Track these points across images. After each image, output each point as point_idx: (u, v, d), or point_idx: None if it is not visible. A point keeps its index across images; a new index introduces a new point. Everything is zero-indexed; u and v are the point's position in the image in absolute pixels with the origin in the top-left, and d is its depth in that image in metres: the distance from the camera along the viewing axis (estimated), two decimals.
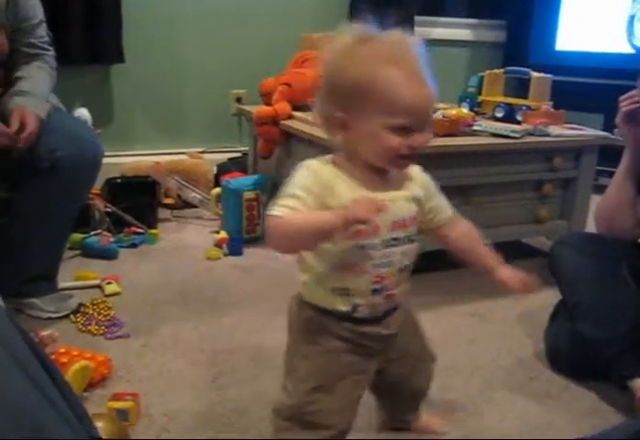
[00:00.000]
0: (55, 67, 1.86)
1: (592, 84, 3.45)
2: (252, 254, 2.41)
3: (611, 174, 3.08)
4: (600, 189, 2.75)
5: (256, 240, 2.50)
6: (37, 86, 1.76)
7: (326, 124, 1.03)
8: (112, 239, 2.39)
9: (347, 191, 1.01)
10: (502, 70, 2.64)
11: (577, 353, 1.62)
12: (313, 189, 1.00)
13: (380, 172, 1.05)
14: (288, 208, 0.98)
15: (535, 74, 2.49)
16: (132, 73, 3.04)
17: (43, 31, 1.83)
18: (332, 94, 1.01)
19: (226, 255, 2.39)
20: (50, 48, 1.85)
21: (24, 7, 1.75)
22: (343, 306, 1.07)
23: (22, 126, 1.62)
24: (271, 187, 2.53)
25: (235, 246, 2.40)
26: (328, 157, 1.06)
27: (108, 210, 2.51)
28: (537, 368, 1.69)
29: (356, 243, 1.02)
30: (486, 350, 1.78)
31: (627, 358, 1.47)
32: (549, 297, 1.83)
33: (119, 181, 2.67)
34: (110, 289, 2.01)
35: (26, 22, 1.76)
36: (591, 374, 1.60)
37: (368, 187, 1.03)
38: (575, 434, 1.36)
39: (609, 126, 3.18)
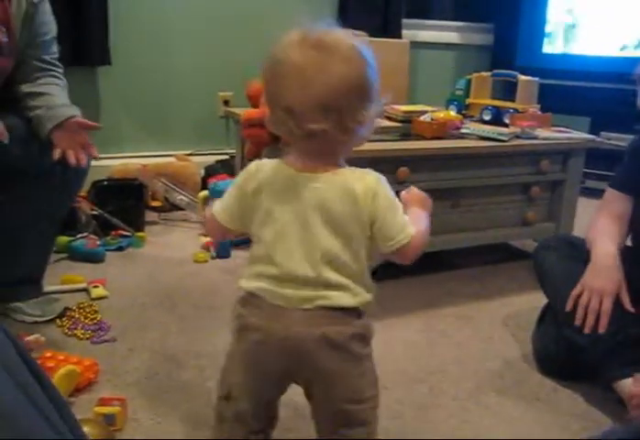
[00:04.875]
0: (67, 85, 1.85)
1: (579, 87, 3.47)
2: (240, 256, 2.40)
3: (598, 177, 3.13)
4: (587, 192, 2.78)
5: (243, 243, 2.49)
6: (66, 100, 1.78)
7: (359, 126, 0.98)
8: (98, 242, 2.37)
9: None
10: (489, 72, 2.65)
11: (563, 356, 1.64)
12: None
13: None
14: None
15: (522, 77, 2.50)
16: (119, 75, 3.03)
17: (55, 47, 1.82)
18: (367, 97, 0.98)
19: (213, 258, 2.38)
20: (61, 65, 1.83)
21: (40, 23, 1.74)
22: None
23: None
24: None
25: (222, 248, 2.39)
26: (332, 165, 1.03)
27: (95, 213, 2.49)
28: (526, 371, 1.70)
29: None
30: (474, 353, 1.78)
31: (612, 361, 1.48)
32: (536, 299, 1.84)
33: (106, 183, 2.65)
34: (97, 292, 1.99)
35: (39, 37, 1.75)
36: (579, 376, 1.61)
37: None
38: (564, 437, 1.36)
39: (596, 129, 3.21)
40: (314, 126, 0.95)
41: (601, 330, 1.45)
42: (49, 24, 1.78)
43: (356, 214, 1.00)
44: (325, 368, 1.02)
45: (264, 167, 1.05)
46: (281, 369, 1.05)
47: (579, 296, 1.50)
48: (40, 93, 1.73)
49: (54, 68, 1.81)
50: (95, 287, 2.01)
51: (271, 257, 1.02)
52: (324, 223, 1.00)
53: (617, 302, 1.50)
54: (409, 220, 1.04)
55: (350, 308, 1.02)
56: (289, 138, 1.01)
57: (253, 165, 1.06)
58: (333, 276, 1.01)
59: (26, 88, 1.74)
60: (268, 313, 1.02)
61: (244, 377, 1.08)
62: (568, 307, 1.50)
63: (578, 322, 1.48)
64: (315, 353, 1.01)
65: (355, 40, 0.98)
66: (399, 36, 3.50)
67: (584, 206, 2.43)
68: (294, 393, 1.11)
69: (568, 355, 1.61)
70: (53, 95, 1.74)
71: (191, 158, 3.12)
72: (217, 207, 1.10)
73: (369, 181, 1.01)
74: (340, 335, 1.01)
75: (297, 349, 1.01)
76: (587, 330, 1.47)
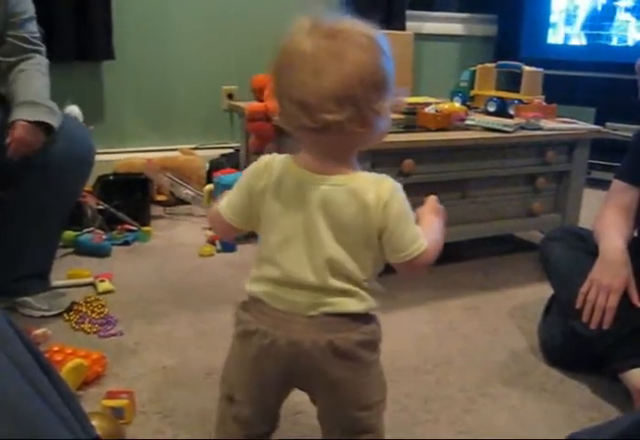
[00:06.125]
0: (48, 64, 1.85)
1: (584, 78, 3.46)
2: (245, 250, 2.41)
3: (603, 167, 3.12)
4: (593, 182, 2.77)
5: (248, 236, 2.49)
6: (41, 94, 1.74)
7: (376, 117, 0.93)
8: (104, 237, 2.38)
9: None
10: (493, 64, 2.64)
11: (570, 347, 1.64)
12: None
13: None
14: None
15: (526, 68, 2.49)
16: (123, 70, 3.02)
17: (34, 27, 1.82)
18: (383, 86, 0.93)
19: (219, 251, 2.39)
20: (42, 44, 1.84)
21: (15, 3, 1.74)
22: None
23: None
24: None
25: (228, 242, 2.39)
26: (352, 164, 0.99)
27: (101, 207, 2.50)
28: (532, 362, 1.70)
29: None
30: (481, 345, 1.78)
31: (618, 352, 1.48)
32: (542, 290, 1.84)
33: (111, 178, 2.66)
34: (103, 287, 2.00)
35: (15, 17, 1.75)
36: (586, 367, 1.62)
37: None
38: (571, 427, 1.36)
39: (601, 120, 3.20)
40: (329, 116, 0.88)
41: (606, 326, 1.46)
42: (24, 3, 1.78)
43: (365, 223, 0.95)
44: (333, 377, 0.99)
45: (273, 164, 1.00)
46: (285, 377, 1.01)
47: (588, 293, 1.50)
48: (14, 92, 1.72)
49: (36, 47, 1.81)
50: (102, 281, 2.02)
51: (276, 260, 0.99)
52: (330, 228, 0.96)
53: (624, 295, 1.50)
54: (422, 231, 1.00)
55: (357, 314, 0.99)
56: (301, 134, 0.95)
57: (262, 162, 1.01)
58: (337, 283, 0.97)
59: (7, 84, 1.74)
60: (271, 318, 0.99)
61: (247, 383, 1.05)
62: (579, 305, 1.50)
63: (585, 318, 1.49)
64: (322, 362, 0.97)
65: (370, 29, 0.93)
66: (403, 28, 3.49)
67: (590, 197, 2.42)
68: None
69: (574, 346, 1.61)
70: (23, 89, 1.73)
71: (196, 152, 3.13)
72: (223, 204, 1.05)
73: (383, 189, 0.95)
74: (347, 343, 0.97)
75: (302, 358, 0.97)
76: (593, 326, 1.47)
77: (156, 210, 2.78)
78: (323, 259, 0.96)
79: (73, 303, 1.87)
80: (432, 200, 1.11)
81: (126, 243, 2.43)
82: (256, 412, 1.06)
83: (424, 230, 1.01)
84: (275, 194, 0.98)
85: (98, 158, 1.88)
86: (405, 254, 0.97)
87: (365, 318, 1.01)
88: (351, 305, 0.98)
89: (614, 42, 3.51)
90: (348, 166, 0.98)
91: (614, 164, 1.81)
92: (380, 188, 0.95)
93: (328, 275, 0.96)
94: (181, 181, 2.79)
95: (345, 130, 0.90)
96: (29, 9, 1.80)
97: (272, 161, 1.00)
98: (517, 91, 2.49)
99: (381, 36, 0.94)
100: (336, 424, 1.06)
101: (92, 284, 2.04)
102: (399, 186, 0.98)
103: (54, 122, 1.70)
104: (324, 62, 0.88)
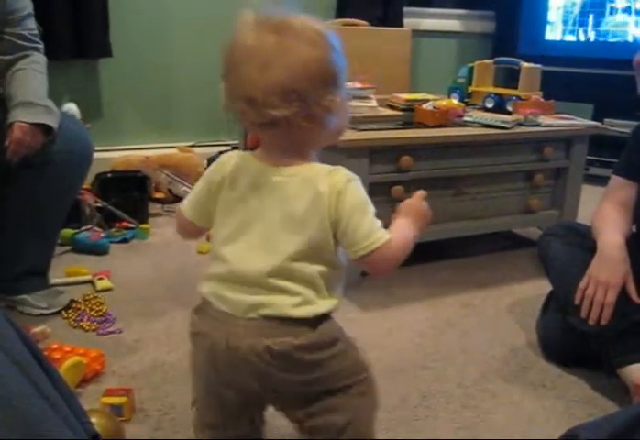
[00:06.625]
0: (46, 62, 1.85)
1: (582, 74, 3.46)
2: None
3: (601, 164, 3.12)
4: (591, 179, 2.77)
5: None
6: (38, 94, 1.73)
7: (325, 113, 0.91)
8: (103, 234, 2.38)
9: None
10: (491, 60, 2.64)
11: (568, 343, 1.64)
12: None
13: None
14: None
15: (525, 64, 2.49)
16: (121, 67, 3.02)
17: (32, 24, 1.81)
18: (332, 82, 0.91)
19: None
20: (40, 41, 1.83)
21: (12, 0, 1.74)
22: None
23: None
24: None
25: None
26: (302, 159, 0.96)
27: (99, 205, 2.50)
28: (531, 358, 1.70)
29: None
30: (479, 341, 1.78)
31: (616, 348, 1.48)
32: (541, 287, 1.84)
33: (109, 176, 2.66)
34: (102, 284, 2.00)
35: (13, 14, 1.74)
36: (584, 363, 1.62)
37: None
38: (570, 422, 1.36)
39: (599, 116, 3.20)
40: (275, 112, 0.87)
41: (604, 322, 1.46)
42: (22, 0, 1.77)
43: (318, 214, 0.92)
44: (276, 379, 0.94)
45: (232, 160, 0.99)
46: (231, 379, 0.97)
47: (587, 289, 1.51)
48: (11, 92, 1.71)
49: (34, 44, 1.80)
50: (100, 279, 2.02)
51: (222, 255, 0.96)
52: (282, 219, 0.93)
53: (622, 290, 1.50)
54: (391, 228, 0.97)
55: (301, 318, 0.92)
56: (254, 130, 0.94)
57: (223, 158, 1.00)
58: (284, 281, 0.92)
59: (5, 84, 1.73)
60: (213, 319, 0.96)
61: (201, 387, 1.03)
62: (577, 300, 1.51)
63: (583, 314, 1.49)
64: (260, 366, 0.92)
65: (319, 24, 0.91)
66: (400, 24, 3.49)
67: (588, 193, 2.42)
68: None
69: (572, 341, 1.62)
70: (21, 89, 1.72)
71: (193, 149, 3.12)
72: (185, 202, 1.04)
73: (337, 179, 0.93)
74: (288, 347, 0.91)
75: (240, 362, 0.93)
76: (591, 322, 1.48)
77: (154, 207, 2.77)
78: (273, 252, 0.93)
79: (72, 301, 1.87)
80: (417, 197, 1.06)
81: (125, 240, 2.43)
82: (221, 418, 1.03)
83: (391, 228, 0.98)
84: (230, 187, 0.97)
85: (96, 155, 1.88)
86: (358, 248, 0.92)
87: (313, 322, 0.94)
88: (293, 309, 0.92)
89: (612, 38, 3.50)
90: (305, 159, 0.96)
91: (612, 160, 1.81)
92: (333, 178, 0.93)
93: (277, 269, 0.92)
94: (179, 179, 2.79)
95: (293, 125, 0.89)
96: (28, 6, 1.79)
97: (232, 157, 1.00)
98: (515, 87, 2.49)
99: (331, 31, 0.92)
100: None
101: (90, 282, 2.03)
102: (355, 177, 0.95)
103: (52, 122, 1.69)
104: (271, 57, 0.87)
